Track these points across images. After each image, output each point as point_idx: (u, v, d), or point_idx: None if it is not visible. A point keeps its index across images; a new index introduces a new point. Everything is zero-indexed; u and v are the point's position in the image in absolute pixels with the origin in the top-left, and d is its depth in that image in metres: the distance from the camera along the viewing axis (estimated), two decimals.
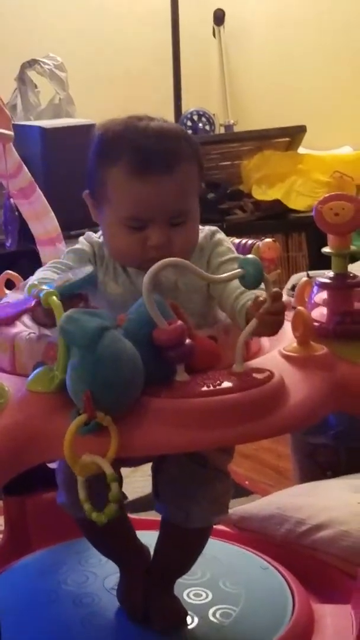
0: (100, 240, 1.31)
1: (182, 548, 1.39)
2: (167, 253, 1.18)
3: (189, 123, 3.77)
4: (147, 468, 1.41)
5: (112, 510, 1.03)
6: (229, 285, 1.20)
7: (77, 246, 1.31)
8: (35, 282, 1.20)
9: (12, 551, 1.63)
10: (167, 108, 3.65)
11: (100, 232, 1.32)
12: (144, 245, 1.23)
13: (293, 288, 1.96)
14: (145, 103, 3.62)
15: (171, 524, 1.35)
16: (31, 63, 3.47)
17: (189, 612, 1.39)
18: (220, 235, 1.32)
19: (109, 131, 1.27)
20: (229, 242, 1.33)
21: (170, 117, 3.55)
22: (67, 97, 3.48)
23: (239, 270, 1.11)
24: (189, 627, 1.37)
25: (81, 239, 1.32)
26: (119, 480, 1.12)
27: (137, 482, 1.73)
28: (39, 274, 1.26)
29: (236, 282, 1.14)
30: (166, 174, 1.22)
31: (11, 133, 1.58)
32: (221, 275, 1.16)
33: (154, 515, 1.41)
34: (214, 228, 1.33)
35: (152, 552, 1.43)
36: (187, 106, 3.81)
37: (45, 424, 1.09)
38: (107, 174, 1.24)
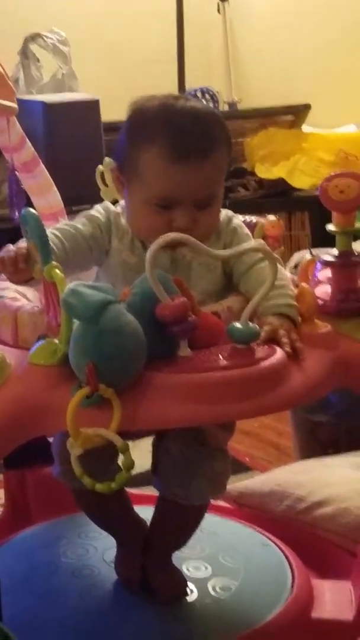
0: (119, 210, 1.31)
1: (178, 524, 1.40)
2: (192, 234, 1.18)
3: (162, 94, 3.74)
4: (145, 444, 1.42)
5: (124, 479, 1.04)
6: (254, 276, 1.24)
7: (90, 212, 1.31)
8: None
9: (12, 524, 1.64)
10: (170, 85, 3.63)
11: (118, 205, 1.32)
12: (168, 225, 1.23)
13: (296, 266, 1.96)
14: (149, 79, 3.63)
15: (168, 500, 1.36)
16: (34, 37, 3.46)
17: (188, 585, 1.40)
18: (237, 220, 1.33)
19: (145, 109, 1.27)
20: (245, 229, 1.34)
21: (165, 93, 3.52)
22: (70, 71, 3.47)
23: (244, 246, 1.12)
24: (188, 599, 1.38)
25: (97, 206, 1.32)
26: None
27: (135, 457, 1.74)
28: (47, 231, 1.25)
29: (261, 275, 1.19)
30: (202, 159, 1.22)
31: (15, 105, 1.58)
32: (225, 251, 1.17)
33: (152, 491, 1.42)
34: (230, 213, 1.33)
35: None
36: (191, 83, 3.79)
37: (47, 396, 1.09)
38: (142, 152, 1.24)
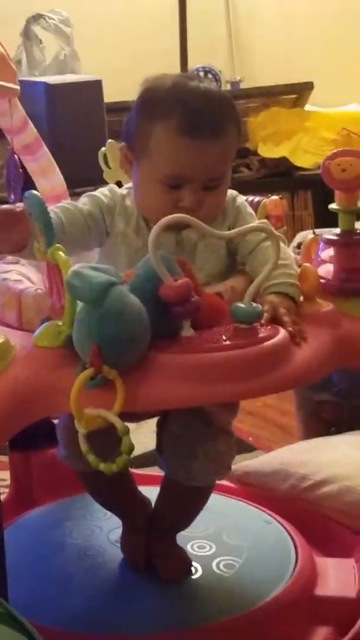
0: (124, 192, 1.31)
1: (183, 505, 1.41)
2: (197, 215, 1.19)
3: (173, 74, 3.73)
4: (150, 425, 1.42)
5: (124, 462, 1.04)
6: (258, 256, 1.25)
7: (94, 192, 1.31)
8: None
9: (17, 506, 1.65)
10: (172, 64, 3.61)
11: (124, 187, 1.32)
12: (175, 204, 1.23)
13: (299, 246, 1.96)
14: (151, 59, 3.62)
15: (173, 481, 1.37)
16: (36, 18, 3.44)
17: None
18: (241, 199, 1.34)
19: (158, 87, 1.27)
20: (249, 208, 1.34)
21: (176, 73, 3.51)
22: (72, 52, 3.45)
23: (247, 226, 1.12)
24: (193, 577, 1.39)
25: (102, 188, 1.32)
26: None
27: (141, 437, 1.74)
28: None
29: (266, 255, 1.19)
30: (213, 138, 1.23)
31: (17, 87, 1.57)
32: (228, 232, 1.17)
33: (157, 471, 1.43)
34: (234, 192, 1.34)
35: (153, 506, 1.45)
36: (193, 62, 3.77)
37: (51, 378, 1.09)
38: (152, 129, 1.24)
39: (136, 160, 1.28)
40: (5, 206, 1.19)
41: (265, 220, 1.31)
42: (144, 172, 1.27)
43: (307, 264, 1.25)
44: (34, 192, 1.16)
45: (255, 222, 1.28)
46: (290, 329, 1.15)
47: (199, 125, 1.22)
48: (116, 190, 1.33)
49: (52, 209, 1.26)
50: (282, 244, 1.20)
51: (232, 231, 1.18)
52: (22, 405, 1.11)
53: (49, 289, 1.15)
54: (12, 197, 1.59)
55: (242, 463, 1.71)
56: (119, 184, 1.43)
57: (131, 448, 1.04)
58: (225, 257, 1.30)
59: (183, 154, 1.23)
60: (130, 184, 1.34)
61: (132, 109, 1.29)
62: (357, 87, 3.70)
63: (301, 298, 1.23)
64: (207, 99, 1.24)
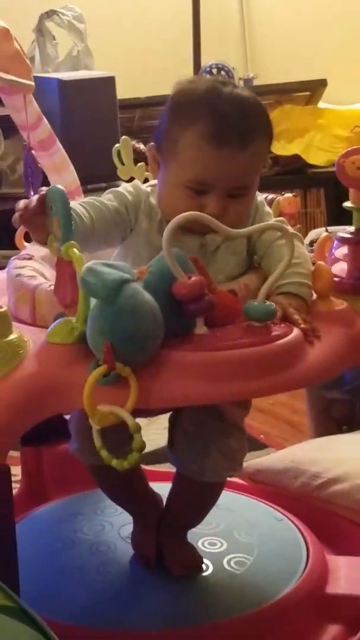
0: (149, 190, 1.31)
1: (195, 501, 1.41)
2: (222, 222, 1.19)
3: (208, 77, 3.73)
4: (162, 421, 1.42)
5: (135, 459, 1.04)
6: (273, 254, 1.24)
7: (118, 189, 1.30)
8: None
9: (29, 501, 1.65)
10: (186, 61, 3.60)
11: (147, 185, 1.32)
12: (199, 211, 1.21)
13: (311, 244, 1.96)
14: (164, 56, 3.61)
15: (185, 477, 1.37)
16: (50, 14, 3.44)
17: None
18: (259, 198, 1.33)
19: (191, 90, 1.26)
20: (267, 207, 1.34)
21: (189, 70, 3.51)
22: (86, 49, 3.45)
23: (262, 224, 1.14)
24: (203, 574, 1.40)
25: (127, 185, 1.32)
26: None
27: (152, 434, 1.75)
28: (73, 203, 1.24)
29: (280, 253, 1.19)
30: (242, 148, 1.22)
31: (32, 83, 1.58)
32: (244, 230, 1.17)
33: (168, 468, 1.43)
34: (259, 198, 1.32)
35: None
36: (207, 59, 3.77)
37: (64, 375, 1.10)
38: (182, 133, 1.23)
39: (164, 162, 1.28)
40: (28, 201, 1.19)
41: (281, 219, 1.31)
42: (171, 175, 1.26)
43: (321, 262, 1.25)
44: (58, 186, 1.15)
45: (272, 220, 1.28)
46: (303, 326, 1.15)
47: (228, 133, 1.21)
48: (140, 187, 1.32)
49: (80, 204, 1.26)
50: (297, 242, 1.20)
51: (247, 229, 1.18)
52: (35, 401, 1.11)
53: (56, 284, 1.15)
54: (32, 192, 1.60)
55: (254, 460, 1.71)
56: (132, 181, 1.43)
57: (142, 446, 1.04)
58: (246, 259, 1.29)
59: (209, 160, 1.22)
60: (153, 182, 1.33)
61: (163, 110, 1.29)
62: None
63: (314, 297, 1.23)
64: (240, 108, 1.23)
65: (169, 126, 1.26)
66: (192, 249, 1.22)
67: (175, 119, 1.26)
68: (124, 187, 1.31)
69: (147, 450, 1.07)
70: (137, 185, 1.32)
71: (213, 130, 1.21)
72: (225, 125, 1.21)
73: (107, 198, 1.29)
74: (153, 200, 1.30)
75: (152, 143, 1.30)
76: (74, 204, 1.22)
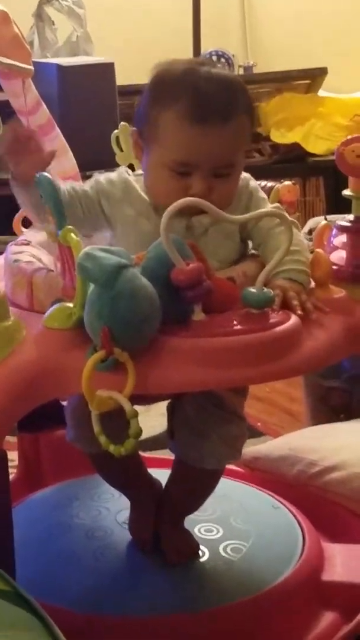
0: (133, 177, 1.30)
1: (194, 487, 1.42)
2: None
3: (186, 58, 3.71)
4: (159, 408, 1.43)
5: (131, 445, 1.05)
6: (270, 242, 1.24)
7: (99, 177, 1.30)
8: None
9: (25, 486, 1.66)
10: (185, 48, 3.59)
11: (138, 170, 1.32)
12: (185, 192, 1.22)
13: (310, 232, 1.95)
14: (164, 42, 3.60)
15: (184, 464, 1.37)
16: None
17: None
18: (254, 183, 1.32)
19: (168, 72, 1.26)
20: (262, 192, 1.33)
21: (188, 57, 3.50)
22: (85, 34, 3.44)
23: (260, 211, 1.14)
24: (200, 561, 1.40)
25: (110, 173, 1.31)
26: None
27: (150, 421, 1.75)
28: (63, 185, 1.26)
29: (277, 240, 1.19)
30: (222, 123, 1.21)
31: (31, 68, 1.57)
32: (241, 216, 1.17)
33: (166, 454, 1.43)
34: (247, 175, 1.32)
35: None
36: (206, 46, 3.76)
37: (62, 360, 1.10)
38: (162, 114, 1.23)
39: (146, 146, 1.27)
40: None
41: (278, 205, 1.30)
42: (154, 158, 1.26)
43: (319, 250, 1.24)
44: (45, 174, 1.16)
45: (268, 207, 1.28)
46: (299, 312, 1.14)
47: (206, 110, 1.21)
48: (123, 175, 1.31)
49: (69, 189, 1.26)
50: (295, 230, 1.19)
51: (245, 215, 1.17)
52: (32, 386, 1.11)
53: (62, 270, 1.15)
54: None
55: (252, 448, 1.71)
56: (132, 167, 1.42)
57: (139, 432, 1.04)
58: (239, 244, 1.29)
59: (190, 139, 1.22)
60: (139, 172, 1.33)
61: (143, 94, 1.28)
62: None
63: (312, 284, 1.23)
64: (217, 85, 1.23)
65: (149, 109, 1.25)
66: (178, 231, 1.21)
67: (154, 101, 1.25)
68: (106, 175, 1.30)
69: (145, 436, 1.07)
70: (120, 173, 1.31)
71: (193, 108, 1.20)
72: (204, 102, 1.21)
73: (86, 183, 1.29)
74: (138, 187, 1.29)
75: (134, 129, 1.29)
76: (65, 188, 1.23)
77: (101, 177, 1.31)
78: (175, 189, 1.22)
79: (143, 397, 1.19)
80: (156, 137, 1.25)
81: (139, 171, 1.34)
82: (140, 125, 1.28)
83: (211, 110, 1.21)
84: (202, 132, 1.21)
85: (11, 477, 1.58)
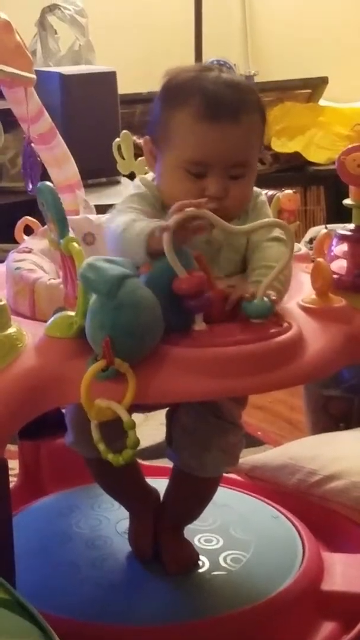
0: (155, 183, 1.29)
1: (192, 496, 1.42)
2: (223, 205, 1.19)
3: (197, 64, 3.72)
4: (159, 416, 1.43)
5: (129, 455, 1.05)
6: (256, 254, 1.24)
7: (138, 190, 1.27)
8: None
9: (26, 494, 1.65)
10: (187, 57, 3.60)
11: (151, 178, 1.30)
12: (200, 194, 1.21)
13: (311, 241, 1.96)
14: (166, 51, 3.60)
15: (183, 472, 1.37)
16: (52, 8, 3.44)
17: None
18: (263, 197, 1.32)
19: (179, 77, 1.26)
20: (268, 208, 1.33)
21: (195, 64, 3.50)
22: (87, 43, 3.45)
23: (260, 221, 1.14)
24: (199, 571, 1.40)
25: (137, 182, 1.29)
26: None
27: (149, 430, 1.75)
28: (124, 217, 1.21)
29: (265, 253, 1.21)
30: (233, 121, 1.21)
31: (33, 76, 1.57)
32: (242, 227, 1.17)
33: (165, 463, 1.43)
34: (258, 189, 1.32)
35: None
36: (208, 55, 3.74)
37: (63, 369, 1.10)
38: (174, 116, 1.23)
39: (160, 152, 1.27)
40: None
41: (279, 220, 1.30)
42: (168, 161, 1.25)
43: (320, 259, 1.25)
44: (47, 183, 1.16)
45: (270, 218, 1.28)
46: (233, 297, 1.13)
47: (218, 108, 1.21)
48: (149, 181, 1.29)
49: (131, 214, 1.21)
50: (281, 246, 1.20)
51: (247, 226, 1.17)
52: (33, 394, 1.11)
53: (64, 279, 1.15)
54: (30, 186, 1.59)
55: (251, 457, 1.71)
56: (132, 175, 1.42)
57: (136, 443, 1.05)
58: (243, 257, 1.28)
59: (204, 137, 1.21)
60: (152, 175, 1.32)
61: (154, 102, 1.28)
62: None
63: (313, 294, 1.23)
64: (227, 85, 1.24)
65: (161, 113, 1.26)
66: (197, 245, 1.20)
67: (166, 105, 1.25)
68: (138, 187, 1.27)
69: (144, 445, 1.07)
70: (145, 180, 1.29)
71: (205, 107, 1.21)
72: (216, 100, 1.21)
73: (136, 202, 1.25)
74: (150, 193, 1.28)
75: (147, 137, 1.30)
76: (130, 215, 1.19)
77: (138, 190, 1.28)
78: (190, 191, 1.21)
79: (143, 406, 1.19)
80: (169, 140, 1.24)
81: (148, 176, 1.32)
82: (153, 132, 1.28)
83: (223, 108, 1.21)
84: (215, 130, 1.21)
85: (11, 485, 1.58)
